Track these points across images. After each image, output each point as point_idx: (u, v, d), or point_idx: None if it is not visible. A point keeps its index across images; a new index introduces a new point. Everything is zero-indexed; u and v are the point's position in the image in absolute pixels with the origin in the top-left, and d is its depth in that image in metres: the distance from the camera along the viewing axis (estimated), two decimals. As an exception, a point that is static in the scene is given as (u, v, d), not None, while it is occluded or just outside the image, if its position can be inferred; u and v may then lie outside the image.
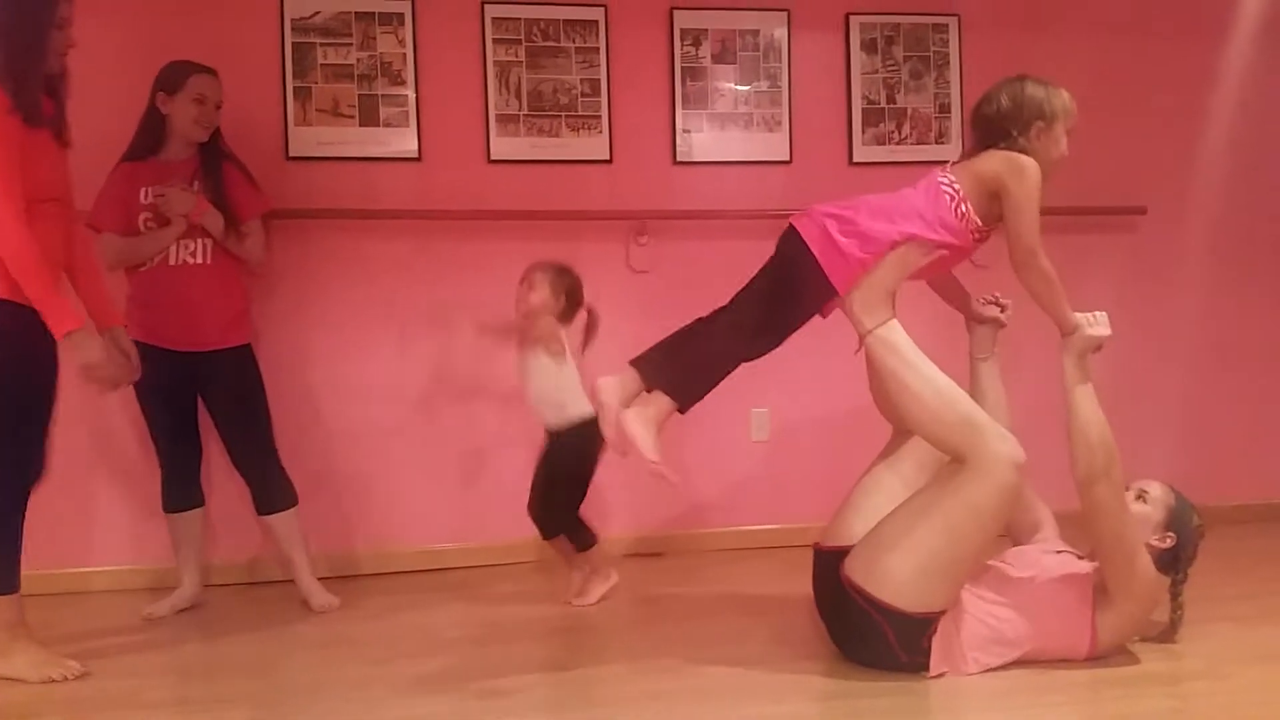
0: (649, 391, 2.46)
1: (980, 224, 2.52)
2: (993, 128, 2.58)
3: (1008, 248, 2.48)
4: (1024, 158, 2.49)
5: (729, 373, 2.49)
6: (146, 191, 3.05)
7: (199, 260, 3.08)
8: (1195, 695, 2.34)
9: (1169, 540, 2.55)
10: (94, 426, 3.43)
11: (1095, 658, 2.50)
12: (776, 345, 2.52)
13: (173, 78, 3.06)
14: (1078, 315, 2.50)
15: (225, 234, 3.08)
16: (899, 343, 2.45)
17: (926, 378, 2.43)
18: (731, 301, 2.55)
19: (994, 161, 2.52)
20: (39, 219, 2.45)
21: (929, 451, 2.61)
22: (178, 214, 3.02)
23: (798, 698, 2.41)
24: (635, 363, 2.49)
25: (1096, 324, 2.50)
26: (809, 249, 2.46)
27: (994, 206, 2.50)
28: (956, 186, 2.51)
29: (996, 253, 2.60)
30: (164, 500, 3.17)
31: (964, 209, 2.49)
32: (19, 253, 2.39)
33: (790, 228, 2.54)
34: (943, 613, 2.44)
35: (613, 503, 3.74)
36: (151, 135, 3.08)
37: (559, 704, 2.40)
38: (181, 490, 3.17)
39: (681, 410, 2.47)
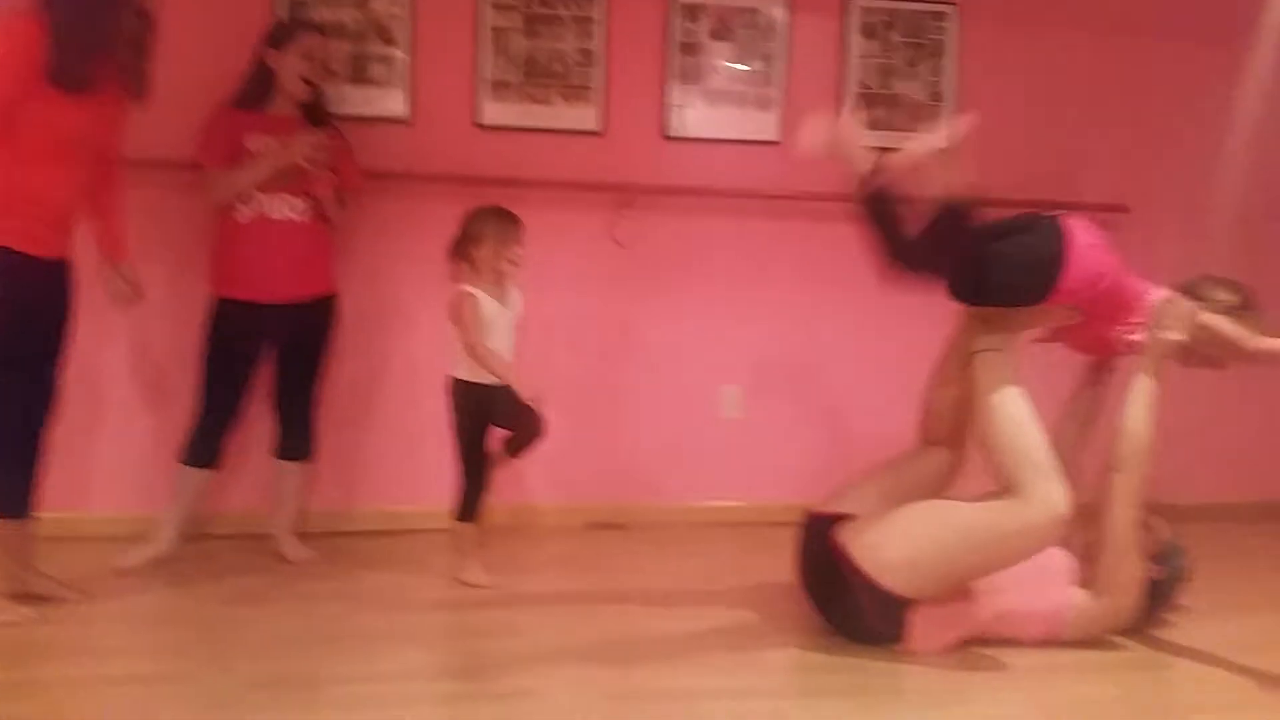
0: None
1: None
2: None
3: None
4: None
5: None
6: (253, 140, 3.10)
7: (301, 217, 3.14)
8: (1137, 684, 2.41)
9: (1157, 572, 2.65)
10: (85, 376, 3.44)
11: (1054, 641, 2.56)
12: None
13: (281, 34, 3.15)
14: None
15: (332, 202, 3.18)
16: (1005, 371, 2.54)
17: (1012, 407, 2.50)
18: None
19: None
20: (49, 162, 2.54)
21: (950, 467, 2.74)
22: (304, 159, 3.06)
23: (750, 671, 2.44)
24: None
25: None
26: (1066, 245, 2.51)
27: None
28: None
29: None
30: (190, 452, 3.14)
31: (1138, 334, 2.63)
32: None
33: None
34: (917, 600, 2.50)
35: (575, 470, 3.76)
36: (258, 88, 3.15)
37: (507, 666, 2.43)
38: (211, 447, 3.15)
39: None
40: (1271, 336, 2.64)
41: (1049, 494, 2.40)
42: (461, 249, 3.02)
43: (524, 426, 2.99)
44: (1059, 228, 2.54)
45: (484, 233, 2.99)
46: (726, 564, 3.31)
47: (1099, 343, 2.66)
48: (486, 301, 2.99)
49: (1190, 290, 2.70)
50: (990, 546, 2.43)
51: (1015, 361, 2.57)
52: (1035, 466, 2.43)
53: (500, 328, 3.02)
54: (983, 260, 2.50)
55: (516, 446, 3.04)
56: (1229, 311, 2.64)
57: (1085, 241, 2.52)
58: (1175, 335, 2.57)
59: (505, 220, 3.03)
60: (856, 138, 2.58)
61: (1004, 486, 2.45)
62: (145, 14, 2.65)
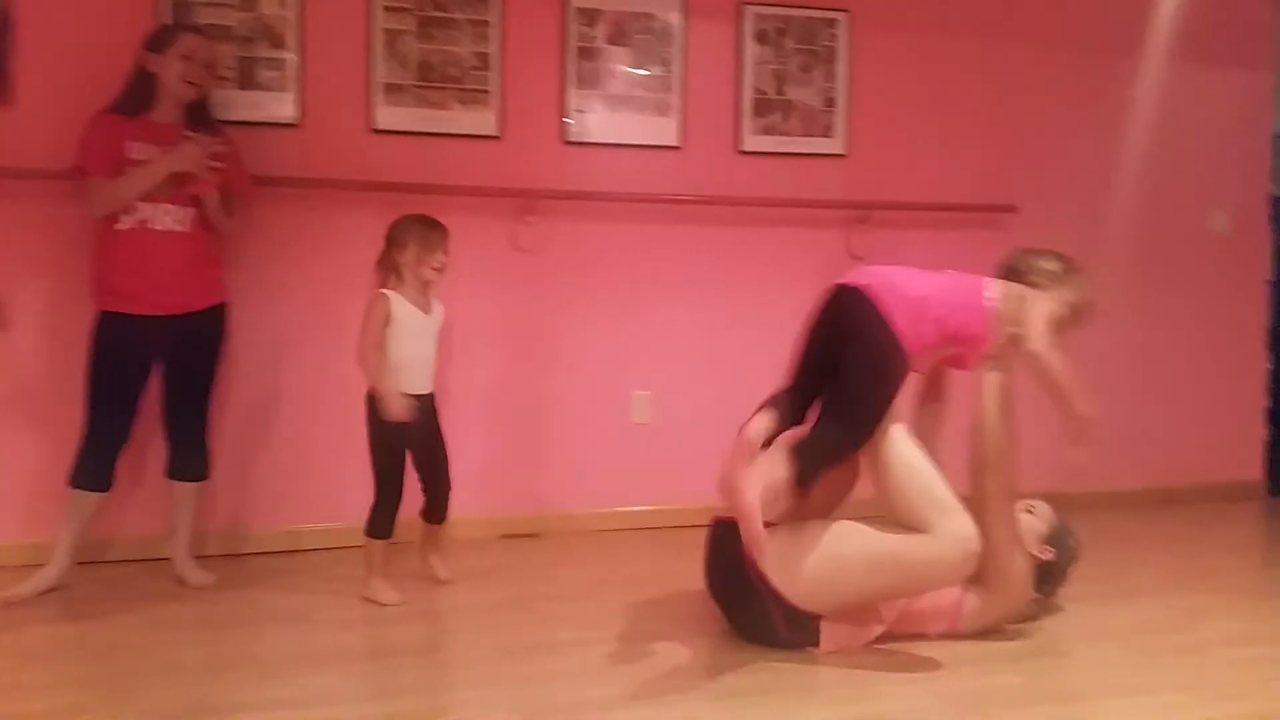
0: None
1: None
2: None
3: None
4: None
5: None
6: (136, 148, 2.97)
7: (184, 228, 3.02)
8: (1038, 671, 2.49)
9: (1048, 553, 2.75)
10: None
11: (955, 635, 2.63)
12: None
13: (161, 37, 3.05)
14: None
15: (219, 208, 3.08)
16: (893, 430, 2.54)
17: (904, 450, 2.52)
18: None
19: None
20: None
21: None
22: (192, 166, 2.97)
23: (665, 678, 2.44)
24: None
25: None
26: (881, 316, 2.49)
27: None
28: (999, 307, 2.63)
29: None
30: (79, 475, 2.99)
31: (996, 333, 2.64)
32: None
33: (854, 290, 2.55)
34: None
35: (486, 481, 3.72)
36: (140, 93, 3.03)
37: (420, 685, 2.39)
38: (102, 468, 3.00)
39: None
40: (1086, 312, 2.73)
41: (958, 529, 2.43)
42: (385, 255, 3.01)
43: (432, 473, 3.05)
44: (863, 300, 2.52)
45: (408, 239, 2.98)
46: (639, 570, 3.31)
47: (975, 357, 2.69)
48: (404, 307, 2.95)
49: (1014, 267, 2.76)
50: (901, 577, 2.48)
51: (899, 408, 2.59)
52: (939, 505, 2.46)
53: (420, 336, 2.99)
54: (852, 402, 2.53)
55: (435, 512, 3.11)
56: (1055, 280, 2.71)
57: (887, 286, 2.54)
58: (1017, 328, 2.62)
59: (430, 227, 3.02)
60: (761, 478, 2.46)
61: (911, 528, 2.46)
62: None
